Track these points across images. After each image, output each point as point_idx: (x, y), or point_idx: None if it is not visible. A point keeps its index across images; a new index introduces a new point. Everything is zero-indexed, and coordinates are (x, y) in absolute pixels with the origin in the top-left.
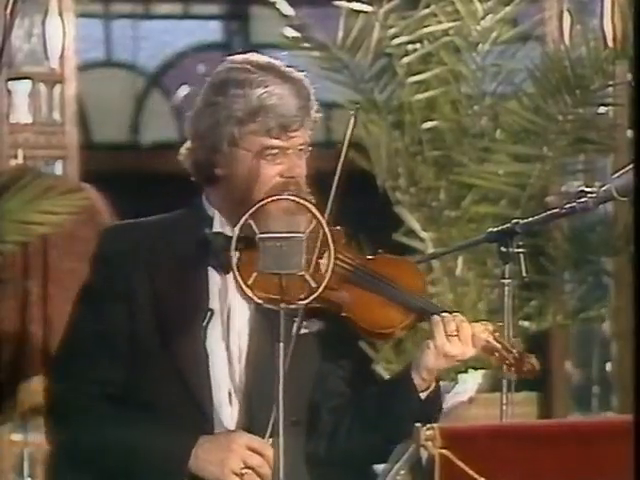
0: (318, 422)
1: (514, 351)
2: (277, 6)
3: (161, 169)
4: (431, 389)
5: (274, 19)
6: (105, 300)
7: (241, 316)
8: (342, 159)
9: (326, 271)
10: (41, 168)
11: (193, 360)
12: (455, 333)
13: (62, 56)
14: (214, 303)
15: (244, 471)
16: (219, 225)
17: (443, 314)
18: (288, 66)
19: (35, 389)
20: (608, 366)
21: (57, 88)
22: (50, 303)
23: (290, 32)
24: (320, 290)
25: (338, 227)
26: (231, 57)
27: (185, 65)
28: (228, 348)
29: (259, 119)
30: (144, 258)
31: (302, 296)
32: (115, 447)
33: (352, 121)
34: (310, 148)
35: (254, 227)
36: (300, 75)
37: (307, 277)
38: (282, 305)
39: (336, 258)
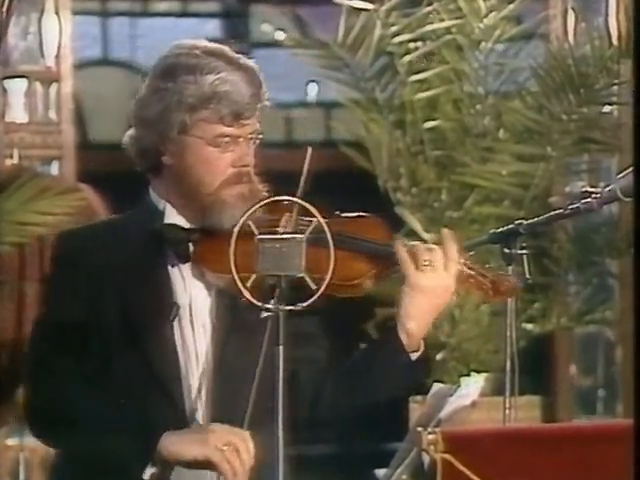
0: (298, 391)
1: (489, 275)
2: (277, 6)
3: None
4: (420, 351)
5: (274, 17)
6: (66, 300)
7: (203, 306)
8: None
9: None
10: (37, 168)
11: (164, 356)
12: (427, 262)
13: (58, 54)
14: (178, 296)
15: (225, 447)
16: (171, 217)
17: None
18: (238, 53)
19: None
20: (613, 369)
21: (53, 87)
22: None
23: (290, 30)
24: (321, 291)
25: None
26: (178, 42)
27: None
28: (195, 341)
29: (211, 106)
30: (101, 260)
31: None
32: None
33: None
34: (261, 136)
35: (253, 228)
36: (251, 63)
37: (307, 279)
38: (281, 307)
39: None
